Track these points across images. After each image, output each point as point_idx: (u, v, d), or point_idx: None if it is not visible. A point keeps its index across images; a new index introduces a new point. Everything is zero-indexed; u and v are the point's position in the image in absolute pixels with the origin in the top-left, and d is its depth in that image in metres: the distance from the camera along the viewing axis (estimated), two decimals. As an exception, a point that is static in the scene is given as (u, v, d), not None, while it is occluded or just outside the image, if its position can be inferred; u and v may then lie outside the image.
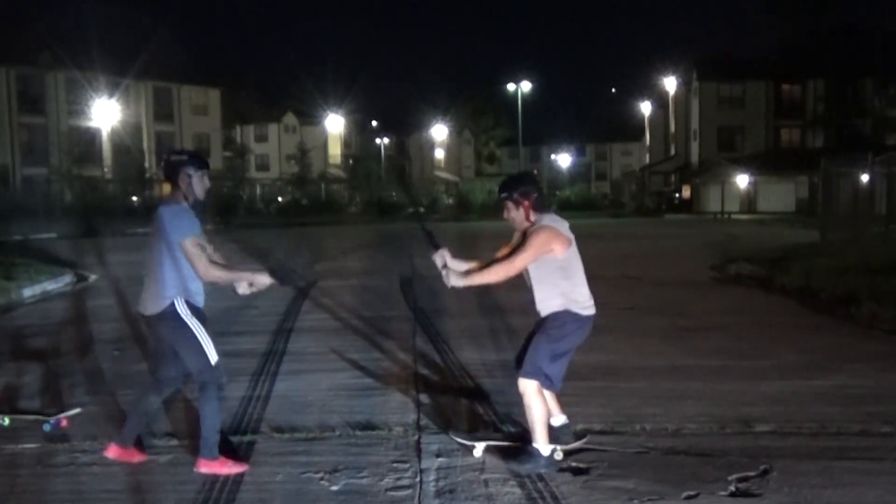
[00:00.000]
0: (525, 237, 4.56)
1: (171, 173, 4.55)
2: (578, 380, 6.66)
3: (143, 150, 51.09)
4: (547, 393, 4.70)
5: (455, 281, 4.54)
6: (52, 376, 7.03)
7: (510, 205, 4.63)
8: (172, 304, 4.45)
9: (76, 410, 5.70)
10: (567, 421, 4.87)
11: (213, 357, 4.50)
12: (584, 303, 4.64)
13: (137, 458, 4.78)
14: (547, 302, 4.59)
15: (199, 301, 4.58)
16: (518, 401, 5.99)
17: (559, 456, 4.74)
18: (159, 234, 4.47)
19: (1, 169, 44.18)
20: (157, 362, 4.76)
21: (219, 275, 4.48)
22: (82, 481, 4.54)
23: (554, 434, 4.73)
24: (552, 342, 4.54)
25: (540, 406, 4.56)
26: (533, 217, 4.59)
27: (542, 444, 4.55)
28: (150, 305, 4.51)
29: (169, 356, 4.61)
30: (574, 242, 4.63)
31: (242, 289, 4.61)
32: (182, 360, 4.56)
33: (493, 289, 12.62)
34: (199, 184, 4.56)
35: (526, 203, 4.58)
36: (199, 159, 4.64)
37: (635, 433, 5.24)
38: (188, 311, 4.48)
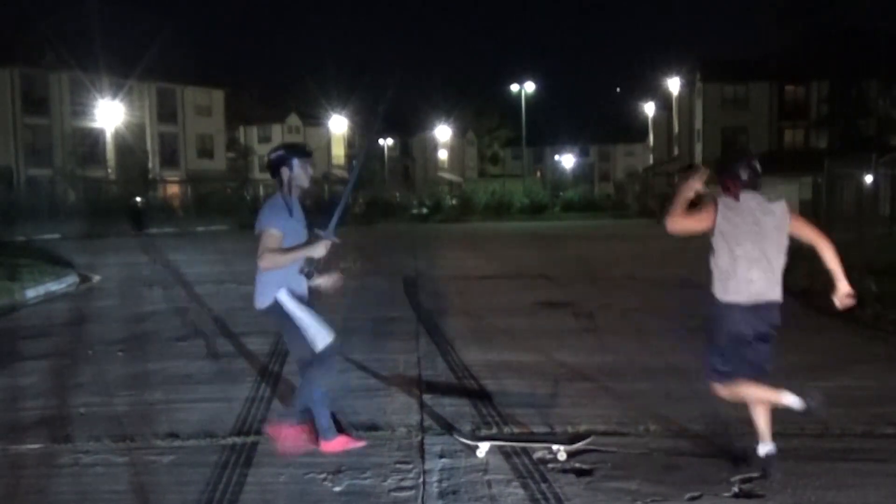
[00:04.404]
0: None
1: (273, 171, 4.71)
2: (582, 380, 6.67)
3: (147, 151, 51.12)
4: (758, 414, 4.46)
5: None
6: (54, 377, 7.04)
7: (720, 188, 4.40)
8: (275, 300, 4.62)
9: None
10: (773, 450, 4.46)
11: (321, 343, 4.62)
12: (728, 288, 4.32)
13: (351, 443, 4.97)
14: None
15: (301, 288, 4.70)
16: (522, 401, 6.02)
17: (563, 457, 4.75)
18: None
19: (5, 170, 44.19)
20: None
21: (280, 260, 4.53)
22: (86, 482, 4.55)
23: (763, 464, 4.43)
24: (708, 340, 4.39)
25: (747, 393, 4.31)
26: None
27: (791, 400, 4.25)
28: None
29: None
30: (741, 228, 4.28)
31: (318, 278, 4.71)
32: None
33: (498, 290, 12.62)
34: (300, 174, 4.69)
35: (733, 188, 4.34)
36: (294, 151, 4.74)
37: (639, 434, 5.24)
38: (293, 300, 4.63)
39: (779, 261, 4.32)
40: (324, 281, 4.77)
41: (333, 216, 4.65)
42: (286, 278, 4.60)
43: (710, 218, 4.33)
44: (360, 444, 4.94)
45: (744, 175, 4.32)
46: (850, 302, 4.40)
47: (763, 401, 4.35)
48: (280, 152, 4.73)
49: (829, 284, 4.48)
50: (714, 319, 4.38)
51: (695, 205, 4.43)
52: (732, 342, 4.33)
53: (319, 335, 4.62)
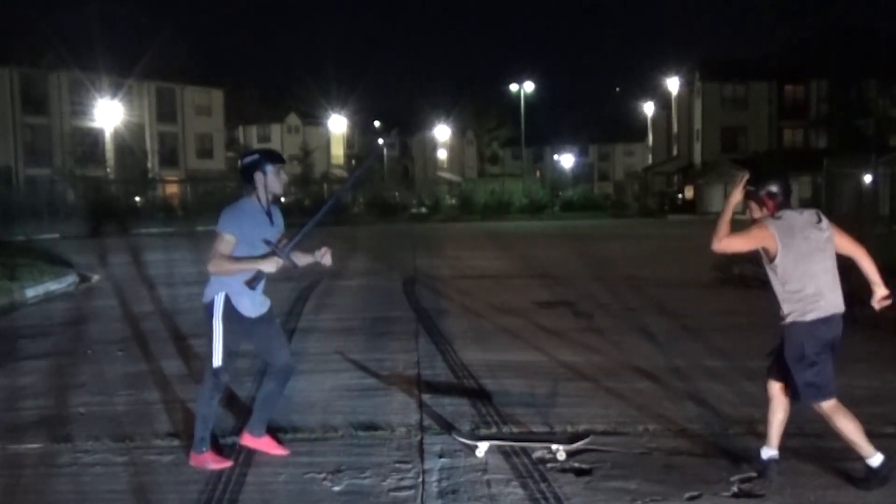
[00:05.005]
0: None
1: (245, 175, 4.59)
2: (582, 380, 6.68)
3: (146, 151, 51.07)
4: (777, 419, 4.46)
5: None
6: (54, 377, 7.04)
7: (753, 204, 4.32)
8: (213, 300, 4.61)
9: None
10: (776, 456, 4.47)
11: (217, 361, 4.59)
12: (805, 308, 4.18)
13: (275, 450, 4.90)
14: (780, 312, 4.28)
15: (243, 304, 4.62)
16: (521, 401, 6.02)
17: (562, 456, 4.75)
18: None
19: (4, 169, 44.16)
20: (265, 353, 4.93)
21: (227, 268, 4.49)
22: (85, 481, 4.55)
23: (762, 467, 4.44)
24: (793, 363, 4.22)
25: (845, 421, 4.24)
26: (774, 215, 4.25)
27: (871, 456, 4.23)
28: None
29: (269, 344, 4.84)
30: (801, 247, 4.17)
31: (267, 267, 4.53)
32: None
33: (498, 290, 12.62)
34: (273, 180, 4.58)
35: (770, 204, 4.26)
36: (268, 156, 4.63)
37: (638, 434, 5.24)
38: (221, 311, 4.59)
39: (836, 271, 4.27)
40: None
41: (295, 238, 4.56)
42: (236, 281, 4.54)
43: (764, 241, 4.21)
44: (227, 463, 4.68)
45: (780, 191, 4.25)
46: (886, 303, 4.34)
47: (850, 441, 4.28)
48: (254, 156, 4.61)
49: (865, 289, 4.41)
50: (795, 341, 4.23)
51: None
52: (818, 355, 4.21)
53: (217, 355, 4.59)
